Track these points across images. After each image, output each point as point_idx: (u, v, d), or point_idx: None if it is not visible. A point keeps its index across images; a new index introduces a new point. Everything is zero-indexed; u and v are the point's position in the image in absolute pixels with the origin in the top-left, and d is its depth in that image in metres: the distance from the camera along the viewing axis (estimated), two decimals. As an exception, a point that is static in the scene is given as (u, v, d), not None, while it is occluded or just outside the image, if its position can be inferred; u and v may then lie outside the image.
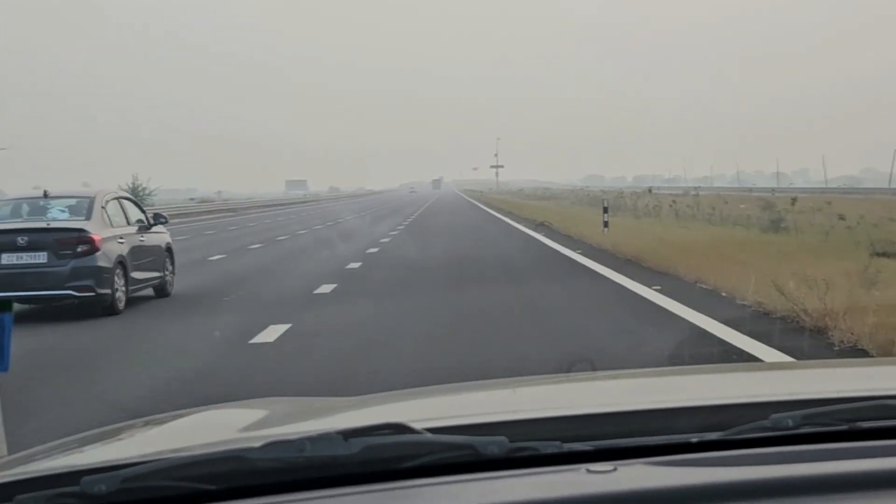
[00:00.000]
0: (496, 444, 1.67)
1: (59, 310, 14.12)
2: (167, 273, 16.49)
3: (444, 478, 1.63)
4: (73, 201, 15.18)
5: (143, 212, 16.61)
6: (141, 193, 61.95)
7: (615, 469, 1.62)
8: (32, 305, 14.24)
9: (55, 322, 13.40)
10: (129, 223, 15.61)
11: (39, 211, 15.04)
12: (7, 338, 1.26)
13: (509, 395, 2.59)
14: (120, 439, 2.30)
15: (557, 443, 1.73)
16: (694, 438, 1.78)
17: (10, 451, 1.40)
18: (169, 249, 16.76)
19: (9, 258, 14.03)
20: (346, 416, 2.33)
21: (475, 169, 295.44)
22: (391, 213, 63.46)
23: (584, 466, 1.63)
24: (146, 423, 2.40)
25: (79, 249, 14.12)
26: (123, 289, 14.62)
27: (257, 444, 1.64)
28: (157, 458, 1.68)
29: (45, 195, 15.17)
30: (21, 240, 14.13)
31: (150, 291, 15.83)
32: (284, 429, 2.22)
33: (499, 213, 55.45)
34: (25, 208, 15.34)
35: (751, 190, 78.94)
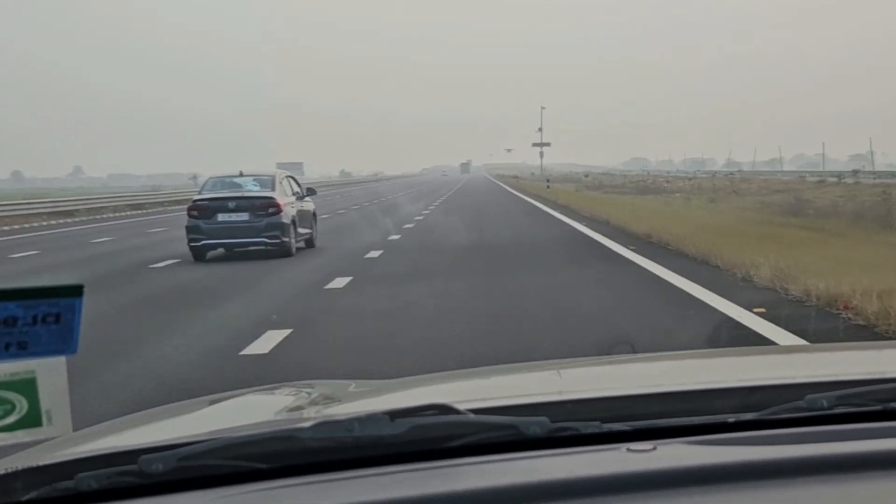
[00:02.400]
0: (538, 425, 1.71)
1: (254, 253, 20.29)
2: (314, 231, 22.65)
3: (488, 457, 1.67)
4: (260, 178, 21.41)
5: (300, 186, 22.68)
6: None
7: (655, 448, 1.65)
8: (241, 250, 20.38)
9: (256, 259, 19.72)
10: (293, 194, 21.68)
11: (238, 185, 21.12)
12: (77, 321, 1.31)
13: (550, 376, 2.63)
14: (174, 419, 2.36)
15: (597, 423, 1.76)
16: (731, 418, 1.81)
17: (76, 429, 1.45)
18: (314, 214, 23.05)
19: (223, 217, 20.37)
20: (390, 398, 2.38)
21: (509, 151, 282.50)
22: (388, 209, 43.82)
23: (624, 446, 1.67)
24: (199, 404, 2.46)
25: (269, 211, 20.34)
26: (294, 240, 20.84)
27: (307, 425, 1.69)
28: (211, 437, 1.73)
29: (241, 174, 21.48)
30: (231, 204, 20.46)
31: (301, 244, 21.56)
32: (331, 410, 2.27)
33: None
34: (229, 183, 21.32)
35: (841, 175, 58.10)
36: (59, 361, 1.37)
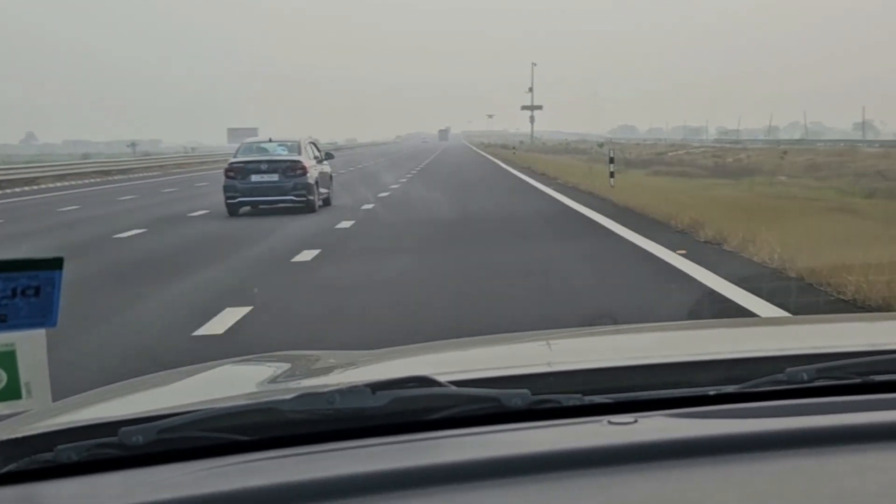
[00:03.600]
0: (519, 397, 1.72)
1: (283, 210, 23.26)
2: (330, 191, 25.76)
3: (469, 429, 1.67)
4: (287, 143, 24.84)
5: (320, 151, 26.08)
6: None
7: (636, 421, 1.66)
8: (273, 207, 23.38)
9: (284, 214, 22.83)
10: (315, 158, 24.85)
11: (267, 150, 24.59)
12: (57, 294, 1.31)
13: (532, 348, 2.63)
14: (154, 390, 2.36)
15: (579, 395, 1.77)
16: (712, 391, 1.82)
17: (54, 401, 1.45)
18: (331, 176, 26.37)
19: (256, 178, 23.51)
20: (371, 370, 2.38)
21: (491, 117, 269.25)
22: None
23: (605, 418, 1.68)
24: (180, 375, 2.45)
25: (297, 172, 23.57)
26: (317, 198, 24.00)
27: (288, 397, 1.69)
28: (191, 409, 1.73)
29: (270, 140, 25.23)
30: (263, 166, 23.66)
31: (320, 203, 24.43)
32: (312, 381, 2.27)
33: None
34: (260, 148, 24.88)
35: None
36: (39, 334, 1.37)
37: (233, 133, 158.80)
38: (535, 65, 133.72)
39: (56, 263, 1.30)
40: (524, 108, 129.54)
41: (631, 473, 1.48)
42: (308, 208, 23.24)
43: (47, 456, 1.61)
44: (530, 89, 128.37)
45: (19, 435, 1.66)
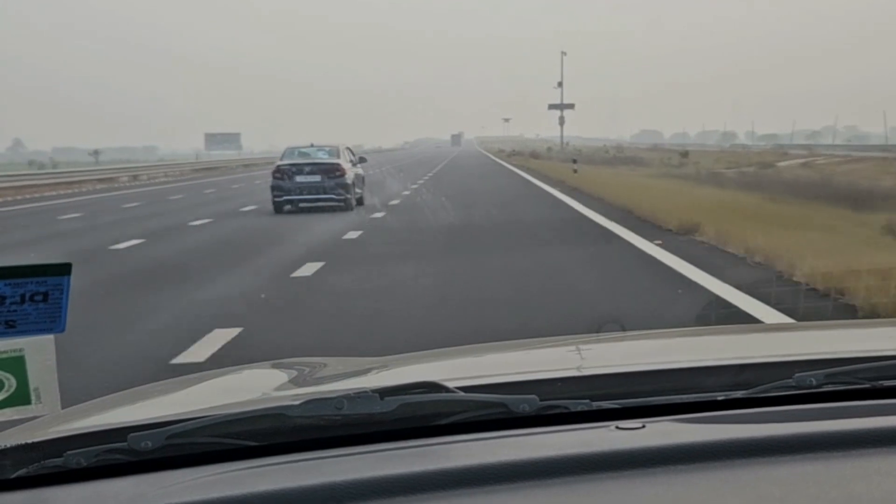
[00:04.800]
0: (527, 403, 1.72)
1: (322, 208, 26.05)
2: (363, 192, 28.45)
3: (477, 435, 1.67)
4: (327, 148, 27.97)
5: (354, 155, 28.85)
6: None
7: (644, 426, 1.66)
8: (314, 205, 26.26)
9: (324, 211, 25.69)
10: (350, 161, 27.77)
11: (309, 154, 27.72)
12: (65, 299, 1.31)
13: (539, 354, 2.63)
14: (163, 397, 2.37)
15: (587, 401, 1.77)
16: (720, 396, 1.82)
17: (64, 407, 1.46)
18: (363, 178, 29.26)
19: (301, 178, 26.53)
20: (380, 376, 2.38)
21: (507, 120, 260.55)
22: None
23: (613, 424, 1.68)
24: (188, 382, 2.46)
25: (336, 174, 26.64)
26: (354, 197, 26.91)
27: (297, 402, 1.69)
28: (199, 415, 1.73)
29: (312, 145, 28.28)
30: (307, 168, 26.73)
31: (354, 203, 27.07)
32: (320, 388, 2.27)
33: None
34: (303, 152, 27.91)
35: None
36: (48, 340, 1.37)
37: (212, 140, 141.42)
38: (566, 54, 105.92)
39: (64, 269, 1.31)
40: (552, 106, 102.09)
41: (639, 478, 1.48)
42: (345, 206, 26.19)
43: (57, 461, 1.61)
44: (559, 84, 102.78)
45: (29, 440, 1.67)
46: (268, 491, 1.45)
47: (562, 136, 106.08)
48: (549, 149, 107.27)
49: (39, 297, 1.32)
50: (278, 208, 26.43)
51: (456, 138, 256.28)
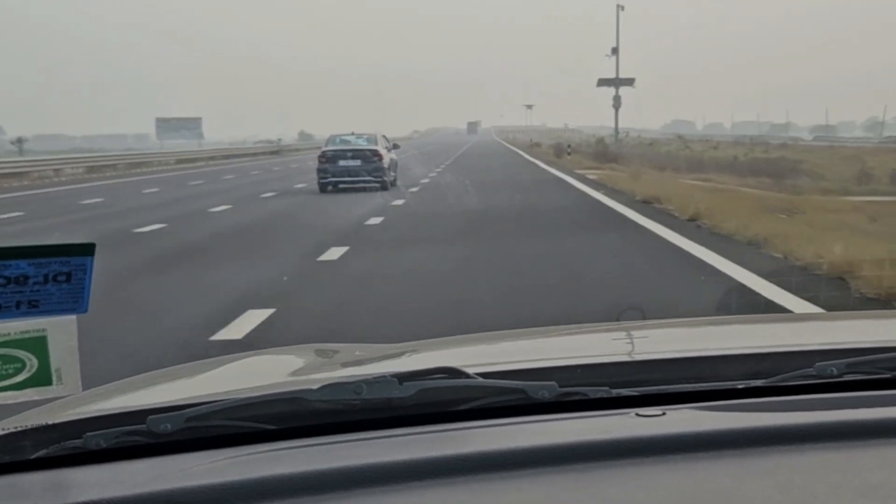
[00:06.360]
0: (546, 389, 1.71)
1: (362, 189, 29.69)
2: (396, 175, 32.69)
3: (496, 421, 1.67)
4: (365, 136, 32.38)
5: (389, 142, 33.44)
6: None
7: (664, 413, 1.65)
8: (355, 186, 30.08)
9: (363, 192, 29.24)
10: (385, 147, 32.04)
11: (351, 141, 31.96)
12: (88, 279, 1.31)
13: (559, 341, 2.63)
14: (183, 380, 2.37)
15: (606, 388, 1.76)
16: (740, 385, 1.81)
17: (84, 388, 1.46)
18: (396, 163, 33.62)
19: (343, 162, 30.83)
20: (398, 361, 2.38)
21: (529, 107, 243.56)
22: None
23: (633, 411, 1.67)
24: (207, 365, 2.46)
25: (374, 159, 30.95)
26: (389, 179, 31.09)
27: (315, 387, 1.69)
28: (219, 398, 1.73)
29: (353, 133, 32.53)
30: (348, 154, 31.00)
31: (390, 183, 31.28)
32: (339, 372, 2.27)
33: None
34: (344, 139, 32.13)
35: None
36: (70, 320, 1.37)
37: (163, 126, 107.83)
38: (623, 8, 75.12)
39: (88, 249, 1.31)
40: (602, 82, 74.26)
41: (659, 465, 1.48)
42: (382, 187, 30.10)
43: (76, 442, 1.62)
44: (613, 50, 73.77)
45: (50, 421, 1.68)
46: (285, 474, 1.45)
47: (616, 124, 77.86)
48: (601, 140, 72.45)
49: (63, 278, 1.32)
50: (323, 188, 30.56)
51: (472, 126, 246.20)
